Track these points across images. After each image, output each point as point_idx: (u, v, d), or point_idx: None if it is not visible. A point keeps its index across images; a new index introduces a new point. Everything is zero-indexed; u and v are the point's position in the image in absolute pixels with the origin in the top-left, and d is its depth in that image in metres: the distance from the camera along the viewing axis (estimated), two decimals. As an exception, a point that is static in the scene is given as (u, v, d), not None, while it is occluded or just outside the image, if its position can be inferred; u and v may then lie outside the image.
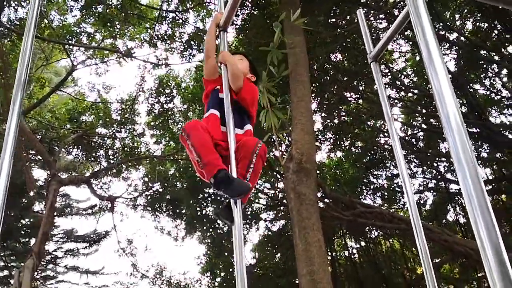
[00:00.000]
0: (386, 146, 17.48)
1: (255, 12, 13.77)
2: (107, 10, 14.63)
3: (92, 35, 16.63)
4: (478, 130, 15.87)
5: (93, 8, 14.85)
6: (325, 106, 16.19)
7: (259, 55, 8.42)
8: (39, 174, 28.03)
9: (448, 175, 18.05)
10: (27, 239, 20.22)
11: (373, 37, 13.69)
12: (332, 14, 14.26)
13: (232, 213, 2.23)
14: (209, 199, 18.29)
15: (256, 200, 19.17)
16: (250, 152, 2.42)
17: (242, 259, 2.19)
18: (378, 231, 19.68)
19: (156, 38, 15.43)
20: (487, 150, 17.38)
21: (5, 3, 13.95)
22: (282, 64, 6.72)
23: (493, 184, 17.63)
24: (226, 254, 19.09)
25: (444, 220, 19.66)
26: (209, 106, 2.79)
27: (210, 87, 2.92)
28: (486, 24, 14.54)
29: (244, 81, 2.79)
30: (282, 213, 19.22)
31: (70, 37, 16.38)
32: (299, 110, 8.67)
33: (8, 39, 15.05)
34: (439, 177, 18.69)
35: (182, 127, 2.48)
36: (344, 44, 14.38)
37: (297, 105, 8.76)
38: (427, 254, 2.43)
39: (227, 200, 2.31)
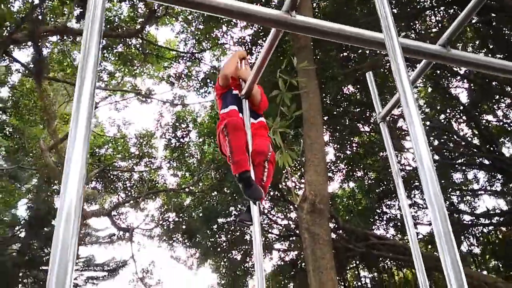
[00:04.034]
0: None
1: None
2: (127, 50, 15.28)
3: (112, 73, 17.34)
4: (491, 162, 15.90)
5: (114, 48, 15.53)
6: (337, 136, 16.42)
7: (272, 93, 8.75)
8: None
9: (461, 206, 18.04)
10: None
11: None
12: (344, 48, 14.56)
13: (251, 215, 2.90)
14: (224, 228, 18.51)
15: (270, 230, 19.35)
16: (263, 160, 3.05)
17: (260, 258, 2.75)
18: (391, 261, 19.65)
19: (173, 76, 16.01)
20: (501, 181, 17.37)
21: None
22: (293, 104, 7.13)
23: (505, 216, 17.54)
24: (240, 284, 19.25)
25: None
26: (227, 102, 3.45)
27: (225, 89, 3.57)
28: (499, 56, 14.66)
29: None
30: (294, 244, 19.32)
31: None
32: (312, 152, 8.86)
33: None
34: (452, 207, 18.67)
35: (225, 123, 3.02)
36: (355, 77, 14.62)
37: (311, 147, 8.94)
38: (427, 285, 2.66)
39: (248, 205, 2.98)
